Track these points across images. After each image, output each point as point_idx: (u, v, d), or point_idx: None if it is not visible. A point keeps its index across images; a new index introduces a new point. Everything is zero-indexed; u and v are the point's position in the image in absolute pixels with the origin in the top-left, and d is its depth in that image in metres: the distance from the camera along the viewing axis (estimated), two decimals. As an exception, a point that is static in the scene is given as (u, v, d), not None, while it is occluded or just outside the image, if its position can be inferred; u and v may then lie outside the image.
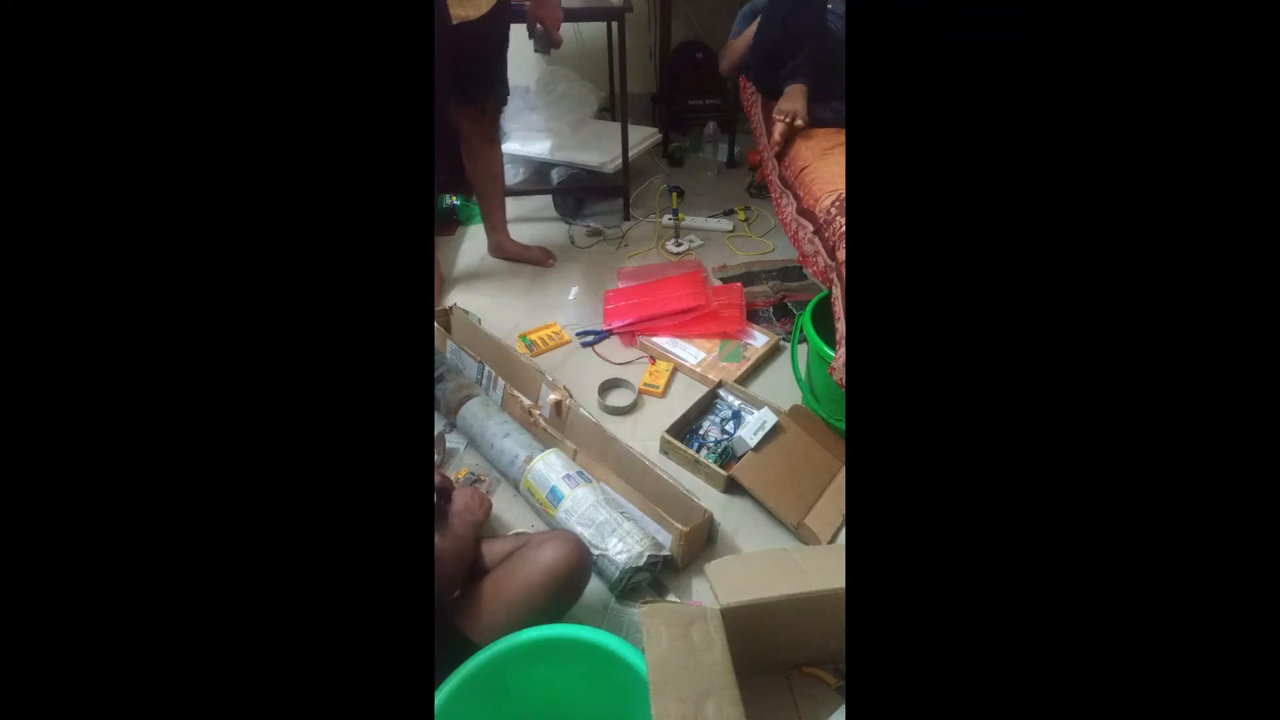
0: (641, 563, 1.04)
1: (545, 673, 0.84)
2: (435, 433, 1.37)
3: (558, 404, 1.33)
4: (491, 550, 1.01)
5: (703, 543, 1.17)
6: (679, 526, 1.09)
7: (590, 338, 1.68)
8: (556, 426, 1.32)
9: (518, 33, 1.68)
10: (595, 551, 1.06)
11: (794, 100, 1.47)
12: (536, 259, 1.96)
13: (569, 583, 0.96)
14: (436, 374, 1.44)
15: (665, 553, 1.10)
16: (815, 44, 1.48)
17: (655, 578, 1.10)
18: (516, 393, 1.36)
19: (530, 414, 1.33)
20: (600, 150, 2.19)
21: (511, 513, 1.25)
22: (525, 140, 2.24)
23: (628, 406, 1.48)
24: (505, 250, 1.96)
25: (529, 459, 1.23)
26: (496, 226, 1.93)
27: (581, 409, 1.33)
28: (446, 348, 1.50)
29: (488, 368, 1.43)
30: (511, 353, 1.48)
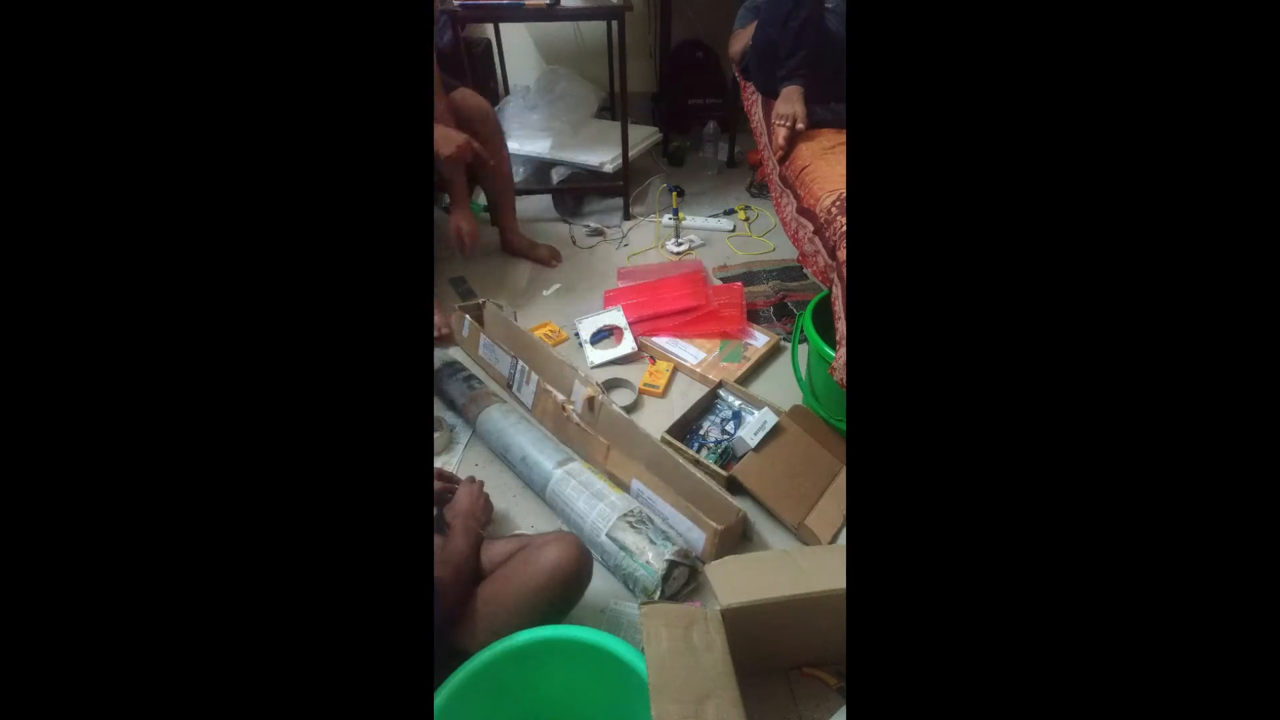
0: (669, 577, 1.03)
1: (545, 674, 0.84)
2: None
3: (590, 400, 1.33)
4: (490, 552, 1.00)
5: (736, 541, 1.14)
6: (713, 525, 1.08)
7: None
8: (589, 423, 1.32)
9: (515, 32, 1.66)
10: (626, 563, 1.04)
11: (792, 103, 1.47)
12: (543, 258, 1.97)
13: (571, 585, 0.95)
14: (450, 370, 1.45)
15: (695, 559, 1.08)
16: (811, 44, 1.47)
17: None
18: (550, 388, 1.37)
19: (564, 410, 1.33)
20: (600, 150, 2.19)
21: (518, 508, 1.24)
22: (525, 140, 2.23)
23: (628, 406, 1.48)
24: (513, 247, 1.98)
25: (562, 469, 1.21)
26: (506, 224, 1.95)
27: (613, 405, 1.32)
28: (480, 343, 1.52)
29: (521, 362, 1.43)
30: (544, 348, 1.49)
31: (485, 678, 0.80)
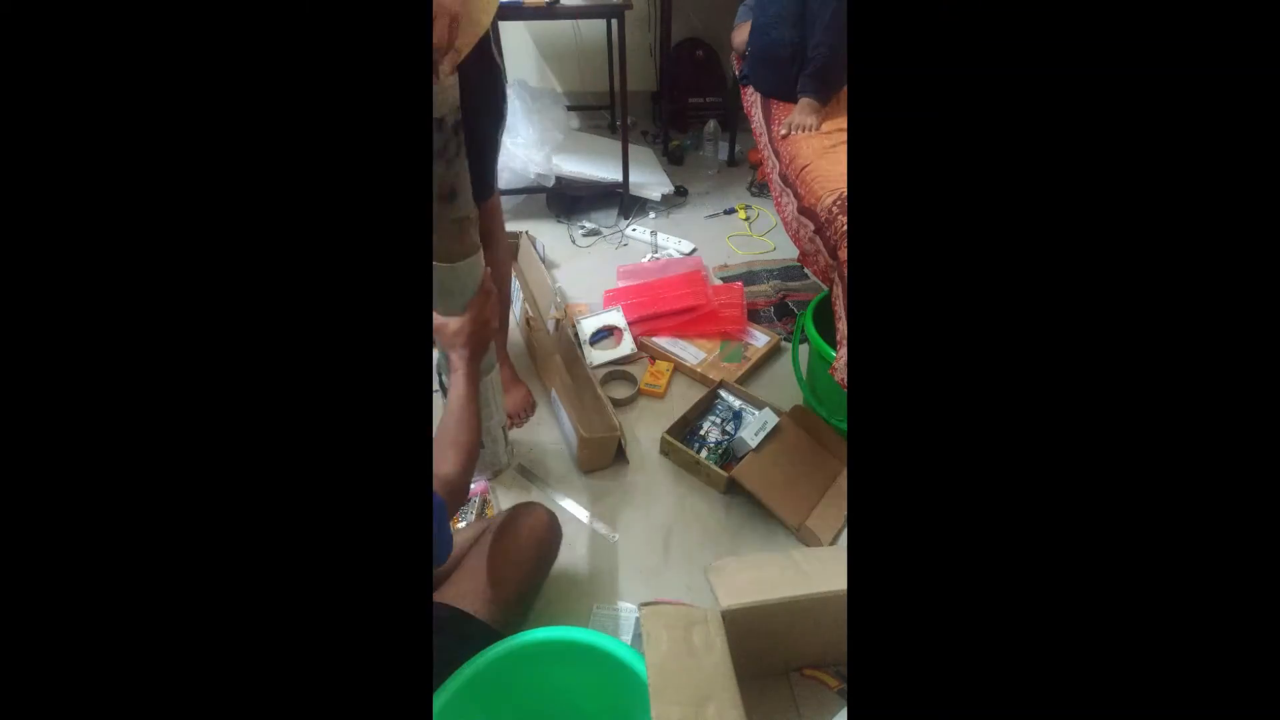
0: None
1: (546, 675, 0.84)
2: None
3: (558, 321, 1.63)
4: (457, 539, 1.02)
5: (609, 456, 1.33)
6: (582, 433, 1.26)
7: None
8: (546, 337, 1.61)
9: (514, 31, 1.65)
10: None
11: (806, 115, 1.52)
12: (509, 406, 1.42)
13: (554, 543, 1.04)
14: None
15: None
16: (824, 51, 1.51)
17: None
18: (528, 305, 1.67)
19: (530, 324, 1.60)
20: (605, 168, 2.20)
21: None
22: (536, 160, 2.17)
23: (628, 398, 1.49)
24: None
25: None
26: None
27: (571, 329, 1.62)
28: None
29: (517, 283, 1.71)
30: (544, 278, 1.76)
31: (486, 680, 0.79)
